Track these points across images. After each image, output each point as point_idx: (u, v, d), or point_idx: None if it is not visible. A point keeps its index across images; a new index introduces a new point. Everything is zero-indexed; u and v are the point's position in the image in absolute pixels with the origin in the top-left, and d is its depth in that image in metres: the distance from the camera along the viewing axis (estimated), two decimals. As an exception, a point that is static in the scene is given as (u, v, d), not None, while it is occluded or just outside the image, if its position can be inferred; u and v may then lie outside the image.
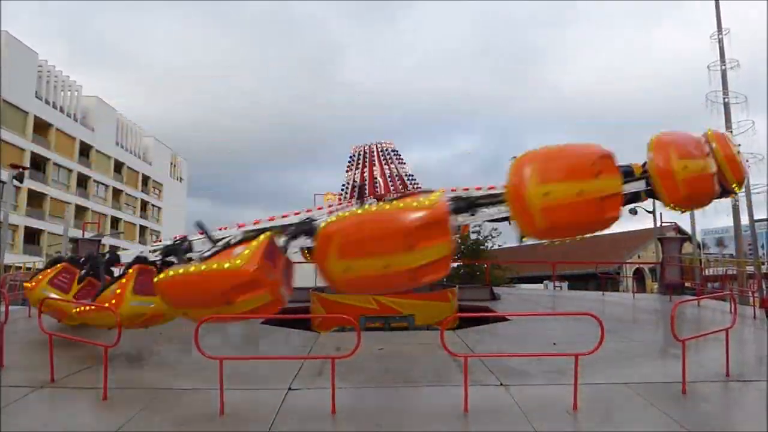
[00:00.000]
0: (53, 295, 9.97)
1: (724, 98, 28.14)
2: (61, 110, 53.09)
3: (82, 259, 11.47)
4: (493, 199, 7.86)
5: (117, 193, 63.70)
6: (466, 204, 7.94)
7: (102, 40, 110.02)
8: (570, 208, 6.98)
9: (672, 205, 8.11)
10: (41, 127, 49.63)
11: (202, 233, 8.61)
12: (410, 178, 15.27)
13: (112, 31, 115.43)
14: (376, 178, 14.77)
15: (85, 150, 57.10)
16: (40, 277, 10.63)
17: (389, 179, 14.79)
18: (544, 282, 33.34)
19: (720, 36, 28.79)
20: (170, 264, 8.91)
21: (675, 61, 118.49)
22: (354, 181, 14.92)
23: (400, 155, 15.41)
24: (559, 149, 7.38)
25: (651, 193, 8.20)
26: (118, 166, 64.02)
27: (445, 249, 6.88)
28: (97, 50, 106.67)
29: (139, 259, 9.27)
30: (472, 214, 8.09)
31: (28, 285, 10.76)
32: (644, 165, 7.98)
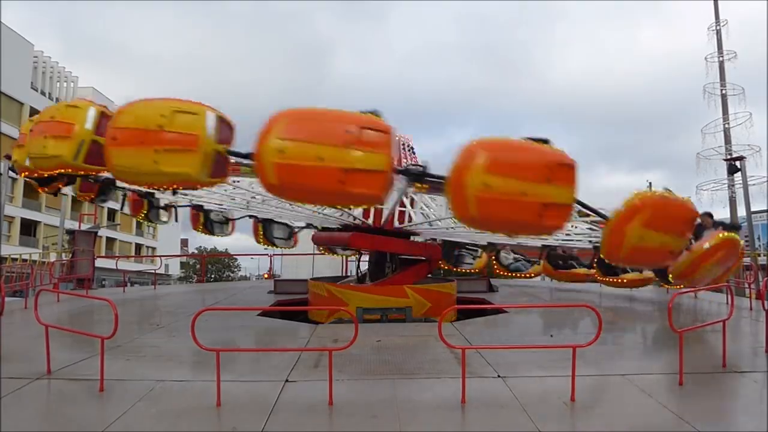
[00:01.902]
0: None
1: (721, 90, 28.12)
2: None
3: None
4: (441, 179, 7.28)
5: (113, 184, 63.44)
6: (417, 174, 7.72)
7: (95, 35, 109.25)
8: (508, 204, 6.54)
9: (461, 221, 7.35)
10: (37, 119, 49.38)
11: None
12: None
13: (104, 25, 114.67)
14: None
15: (81, 141, 56.78)
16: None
17: None
18: (542, 274, 33.27)
19: (717, 27, 28.74)
20: None
21: (671, 57, 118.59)
22: None
23: (414, 153, 15.32)
24: (520, 144, 6.94)
25: None
26: (115, 158, 63.70)
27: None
28: (91, 44, 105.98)
29: None
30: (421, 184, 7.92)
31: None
32: None
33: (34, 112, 48.09)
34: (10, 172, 20.21)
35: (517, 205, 6.53)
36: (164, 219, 16.18)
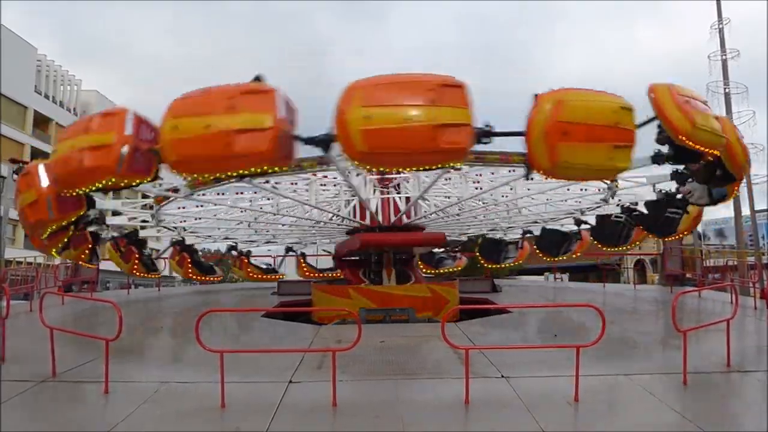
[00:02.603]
0: None
1: (724, 88, 28.06)
2: (61, 105, 52.90)
3: None
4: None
5: (117, 186, 63.53)
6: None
7: (95, 35, 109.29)
8: (395, 132, 6.54)
9: (355, 162, 7.20)
10: (41, 122, 49.50)
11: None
12: None
13: (104, 25, 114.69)
14: None
15: (85, 144, 56.93)
16: None
17: None
18: (545, 274, 33.33)
19: (720, 26, 28.67)
20: None
21: (670, 56, 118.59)
22: None
23: None
24: (395, 76, 6.89)
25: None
26: (119, 160, 63.84)
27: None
28: (90, 45, 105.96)
29: None
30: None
31: None
32: None
33: (37, 115, 48.31)
34: (14, 175, 20.30)
35: (409, 130, 6.50)
36: (157, 267, 16.64)
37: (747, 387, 7.37)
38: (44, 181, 8.76)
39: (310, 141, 7.21)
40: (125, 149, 7.09)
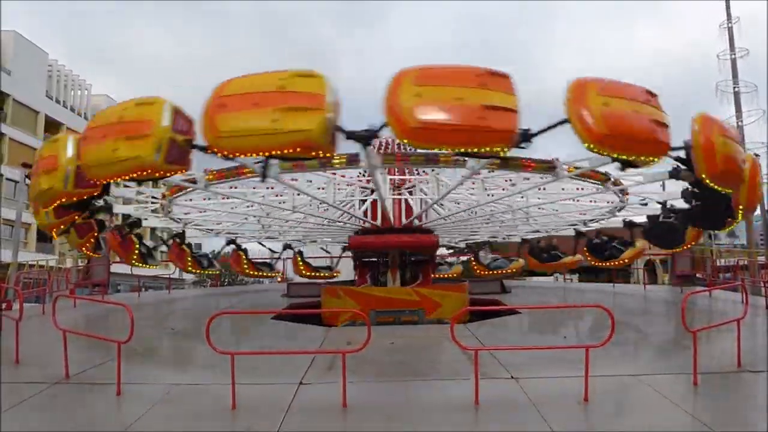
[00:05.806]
0: None
1: (734, 87, 27.92)
2: (72, 109, 53.31)
3: None
4: None
5: (127, 190, 63.88)
6: None
7: (95, 37, 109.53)
8: (447, 108, 6.59)
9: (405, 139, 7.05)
10: (52, 126, 49.80)
11: None
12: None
13: (104, 27, 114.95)
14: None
15: (95, 148, 57.32)
16: None
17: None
18: (555, 274, 33.17)
19: (729, 25, 28.52)
20: None
21: (669, 56, 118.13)
22: None
23: None
24: (444, 65, 7.02)
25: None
26: (128, 164, 64.21)
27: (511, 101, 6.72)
28: (89, 46, 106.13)
29: None
30: None
31: None
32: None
33: (48, 119, 48.69)
34: (26, 179, 20.49)
35: (455, 109, 6.56)
36: (157, 260, 16.32)
37: (758, 387, 7.32)
38: (70, 152, 8.47)
39: None
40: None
